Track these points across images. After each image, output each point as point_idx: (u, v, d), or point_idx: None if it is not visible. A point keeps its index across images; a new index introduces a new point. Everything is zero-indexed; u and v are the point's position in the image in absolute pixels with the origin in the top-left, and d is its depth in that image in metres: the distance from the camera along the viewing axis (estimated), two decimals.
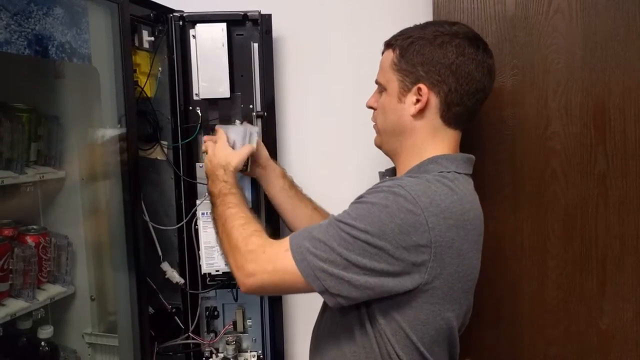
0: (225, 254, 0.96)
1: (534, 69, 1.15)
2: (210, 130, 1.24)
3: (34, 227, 1.22)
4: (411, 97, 0.90)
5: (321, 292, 0.82)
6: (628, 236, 1.12)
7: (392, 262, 0.79)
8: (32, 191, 1.23)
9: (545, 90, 1.15)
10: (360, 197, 0.85)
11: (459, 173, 0.88)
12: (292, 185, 1.23)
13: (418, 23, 0.95)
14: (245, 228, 0.92)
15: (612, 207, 1.13)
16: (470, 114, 0.92)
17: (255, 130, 1.18)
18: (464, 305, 0.89)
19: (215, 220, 1.02)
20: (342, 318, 0.90)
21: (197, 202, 1.23)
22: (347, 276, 0.79)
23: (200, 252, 1.23)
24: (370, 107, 1.00)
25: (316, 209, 1.22)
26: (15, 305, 1.09)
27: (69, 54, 1.06)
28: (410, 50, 0.90)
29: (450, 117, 0.90)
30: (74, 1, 1.07)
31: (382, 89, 0.96)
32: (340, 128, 1.39)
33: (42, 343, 1.19)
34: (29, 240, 1.17)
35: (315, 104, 1.39)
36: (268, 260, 0.85)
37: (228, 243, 0.93)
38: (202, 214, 1.21)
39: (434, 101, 0.89)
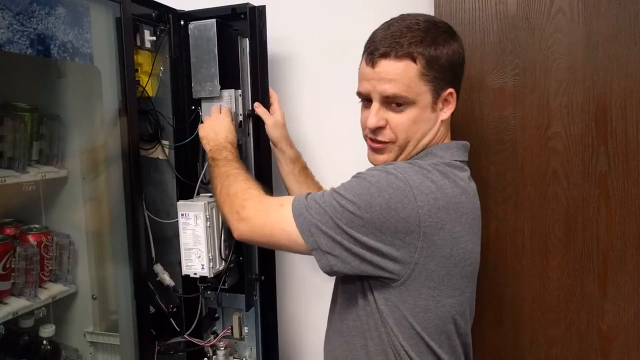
0: (221, 205, 1.00)
1: (535, 69, 1.15)
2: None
3: (36, 226, 1.22)
4: (440, 104, 0.91)
5: (313, 249, 0.83)
6: (629, 236, 1.12)
7: (378, 235, 0.80)
8: (34, 190, 1.24)
9: (547, 90, 1.15)
10: (359, 173, 0.87)
11: (453, 162, 0.89)
12: (303, 170, 1.24)
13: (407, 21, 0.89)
14: (246, 183, 0.99)
15: (613, 207, 1.12)
16: None
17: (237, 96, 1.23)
18: (465, 292, 0.88)
19: (215, 178, 1.05)
20: (348, 311, 0.91)
21: (179, 202, 1.18)
22: (337, 238, 0.82)
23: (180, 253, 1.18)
24: (378, 127, 0.90)
25: None
26: (17, 304, 1.10)
27: (71, 54, 1.07)
28: (436, 57, 0.87)
29: None
30: (76, 1, 1.07)
31: (403, 103, 0.87)
32: (337, 128, 1.38)
33: (44, 341, 1.19)
34: (31, 239, 1.18)
35: (312, 103, 1.38)
36: (263, 210, 0.91)
37: (227, 194, 0.98)
38: (182, 215, 1.17)
39: (454, 100, 0.92)
